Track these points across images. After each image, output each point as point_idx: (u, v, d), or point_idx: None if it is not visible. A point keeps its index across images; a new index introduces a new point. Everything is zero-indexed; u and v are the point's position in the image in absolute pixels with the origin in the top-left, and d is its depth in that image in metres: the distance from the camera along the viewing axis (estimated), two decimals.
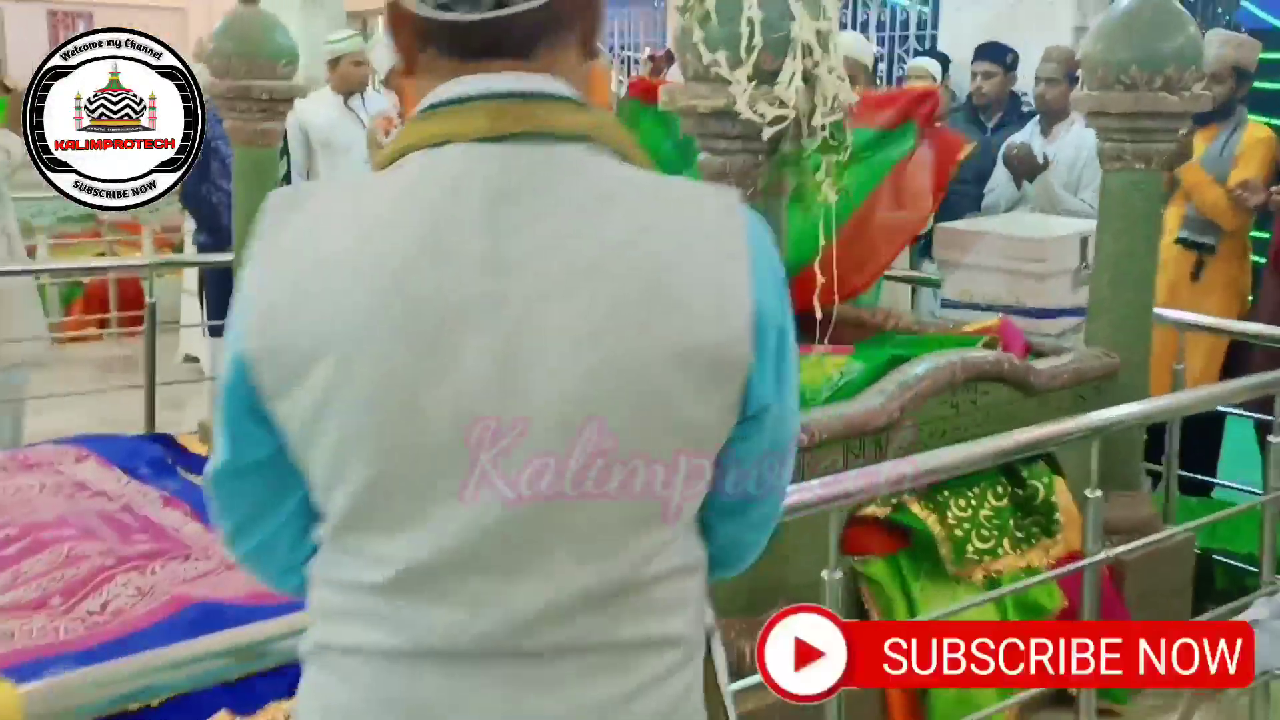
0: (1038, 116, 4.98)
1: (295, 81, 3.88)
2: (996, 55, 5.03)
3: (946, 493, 2.83)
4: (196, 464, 3.44)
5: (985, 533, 2.84)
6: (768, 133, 2.13)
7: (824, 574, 1.96)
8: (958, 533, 2.79)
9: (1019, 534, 2.89)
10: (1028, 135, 4.85)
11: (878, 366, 2.99)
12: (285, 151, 5.42)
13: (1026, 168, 4.48)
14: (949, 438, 2.76)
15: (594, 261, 0.95)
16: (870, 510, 2.66)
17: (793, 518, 2.13)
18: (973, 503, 2.86)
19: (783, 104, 2.12)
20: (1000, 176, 4.68)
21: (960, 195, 4.49)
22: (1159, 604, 3.19)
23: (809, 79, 2.15)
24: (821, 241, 2.54)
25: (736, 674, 2.42)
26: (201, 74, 3.56)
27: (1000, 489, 2.92)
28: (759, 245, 1.03)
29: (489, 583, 0.99)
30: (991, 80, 4.97)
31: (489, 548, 0.98)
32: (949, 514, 2.81)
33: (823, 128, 2.21)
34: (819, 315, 2.72)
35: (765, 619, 2.42)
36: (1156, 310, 3.57)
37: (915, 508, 2.69)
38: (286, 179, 5.46)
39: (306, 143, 5.22)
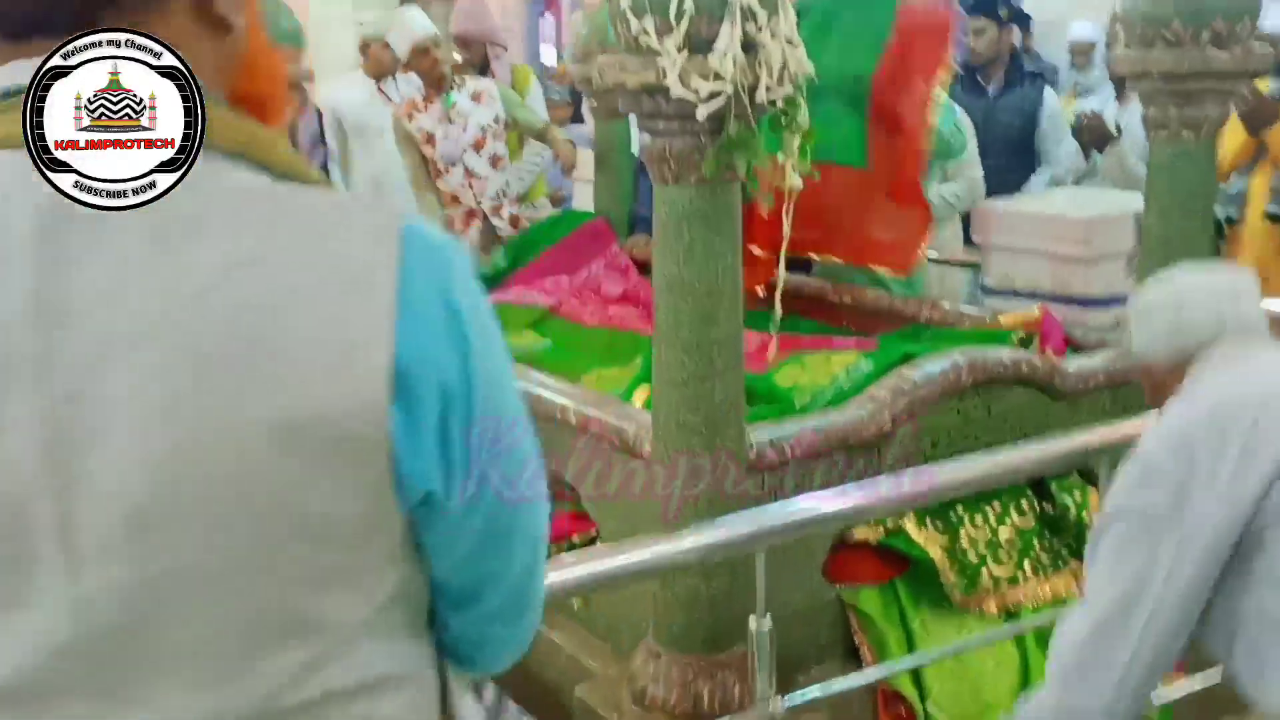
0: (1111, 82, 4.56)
1: (302, 66, 3.73)
2: (988, 8, 4.48)
3: (960, 509, 2.52)
4: None
5: (1004, 556, 2.52)
6: (703, 111, 1.85)
7: (750, 621, 1.68)
8: (970, 557, 2.47)
9: (1045, 557, 2.56)
10: (1101, 103, 4.44)
11: (888, 365, 2.68)
12: (322, 138, 5.29)
13: (1097, 137, 4.07)
14: (955, 449, 2.44)
15: (171, 308, 0.72)
16: (861, 533, 2.37)
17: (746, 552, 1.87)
18: (990, 522, 2.54)
19: (719, 77, 1.84)
20: (1069, 147, 4.28)
21: (995, 169, 4.06)
22: None
23: (750, 47, 1.86)
24: (787, 231, 2.25)
25: (694, 717, 2.18)
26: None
27: (1024, 505, 2.59)
28: (418, 278, 0.77)
29: (80, 712, 0.77)
30: (983, 37, 4.36)
31: (67, 671, 0.76)
32: (962, 534, 2.49)
33: (772, 103, 1.92)
34: (778, 304, 2.42)
35: (727, 658, 2.17)
36: None
37: (913, 530, 2.38)
38: (324, 168, 5.35)
39: (340, 129, 5.09)
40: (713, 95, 1.85)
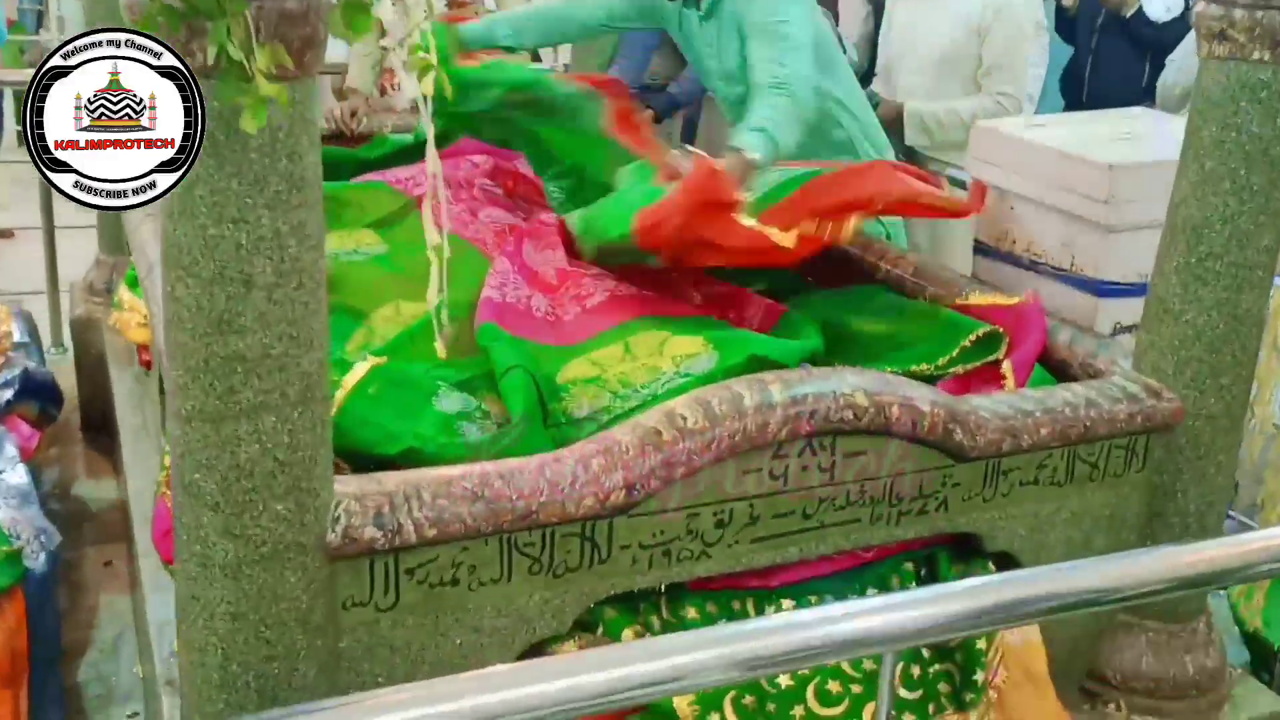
0: None
1: None
2: None
3: (786, 605, 1.65)
4: None
5: (836, 688, 1.64)
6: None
7: None
8: (781, 681, 1.61)
9: (909, 695, 1.67)
10: None
11: (735, 368, 1.79)
12: None
13: None
14: (760, 537, 1.55)
15: None
16: (568, 646, 1.52)
17: None
18: None
19: None
20: (1187, 46, 3.12)
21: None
22: None
23: None
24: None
25: None
26: None
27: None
28: None
29: None
30: None
31: None
32: None
33: None
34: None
35: None
36: None
37: None
38: None
39: None
40: None
